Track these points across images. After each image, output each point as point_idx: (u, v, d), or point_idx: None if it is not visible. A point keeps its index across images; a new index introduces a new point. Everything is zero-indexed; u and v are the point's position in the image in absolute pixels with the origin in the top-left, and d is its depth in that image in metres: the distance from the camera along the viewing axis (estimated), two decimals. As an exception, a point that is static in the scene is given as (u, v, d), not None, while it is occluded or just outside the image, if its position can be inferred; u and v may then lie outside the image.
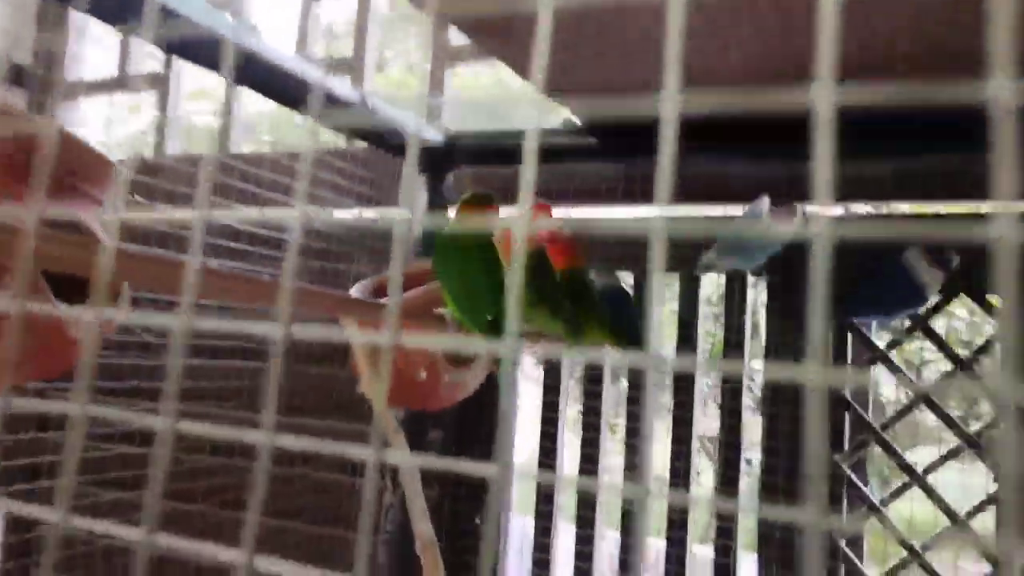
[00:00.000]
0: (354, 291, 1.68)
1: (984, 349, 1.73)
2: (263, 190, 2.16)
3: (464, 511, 2.06)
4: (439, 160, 1.98)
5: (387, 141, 1.86)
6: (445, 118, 2.05)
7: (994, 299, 1.71)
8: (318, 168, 2.15)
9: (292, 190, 2.14)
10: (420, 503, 1.30)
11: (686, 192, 1.88)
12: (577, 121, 1.83)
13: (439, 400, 1.66)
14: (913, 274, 1.54)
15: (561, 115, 1.87)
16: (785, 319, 1.84)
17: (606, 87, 1.70)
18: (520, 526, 2.17)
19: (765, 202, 1.57)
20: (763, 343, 1.89)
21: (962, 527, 1.67)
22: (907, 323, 1.77)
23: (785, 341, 1.84)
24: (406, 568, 1.78)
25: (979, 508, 1.68)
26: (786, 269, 1.82)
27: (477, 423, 2.07)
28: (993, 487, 1.66)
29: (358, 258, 2.14)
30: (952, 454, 1.74)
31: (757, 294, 1.97)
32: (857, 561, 1.77)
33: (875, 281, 1.64)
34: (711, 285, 2.03)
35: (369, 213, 2.19)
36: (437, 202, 1.97)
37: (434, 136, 1.94)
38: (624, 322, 1.61)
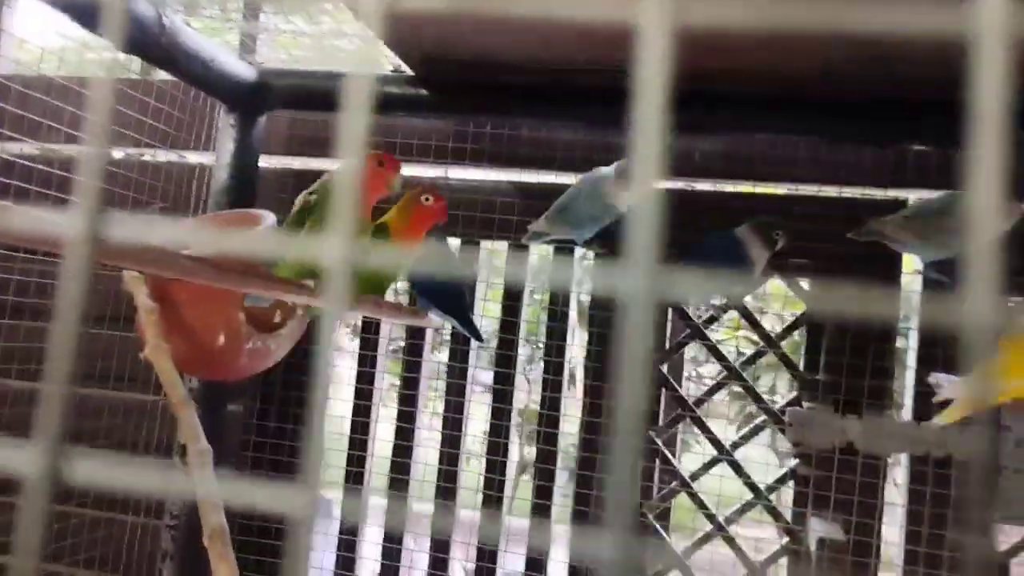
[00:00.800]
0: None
1: (792, 328, 1.80)
2: (44, 119, 1.84)
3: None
4: (251, 100, 1.77)
5: (191, 73, 1.63)
6: (259, 54, 1.84)
7: (804, 281, 1.77)
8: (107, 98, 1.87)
9: (78, 121, 1.84)
10: (210, 484, 1.13)
11: (523, 157, 1.81)
12: (409, 70, 1.70)
13: (240, 369, 1.48)
14: (742, 250, 1.54)
15: (391, 62, 1.73)
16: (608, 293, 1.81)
17: (445, 40, 1.58)
18: (328, 504, 2.04)
19: (605, 170, 1.52)
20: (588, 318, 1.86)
21: (763, 500, 1.73)
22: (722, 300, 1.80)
23: (607, 316, 1.81)
24: (194, 559, 1.59)
25: (779, 482, 1.75)
26: (615, 242, 1.78)
27: (282, 394, 1.90)
28: (793, 462, 1.74)
29: (153, 205, 1.89)
30: (757, 430, 1.80)
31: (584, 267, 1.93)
32: (664, 534, 1.79)
33: (703, 256, 1.64)
34: (539, 257, 1.98)
35: (167, 154, 1.94)
36: (247, 146, 1.77)
37: (246, 72, 1.73)
38: (444, 290, 1.54)
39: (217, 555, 1.00)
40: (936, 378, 1.53)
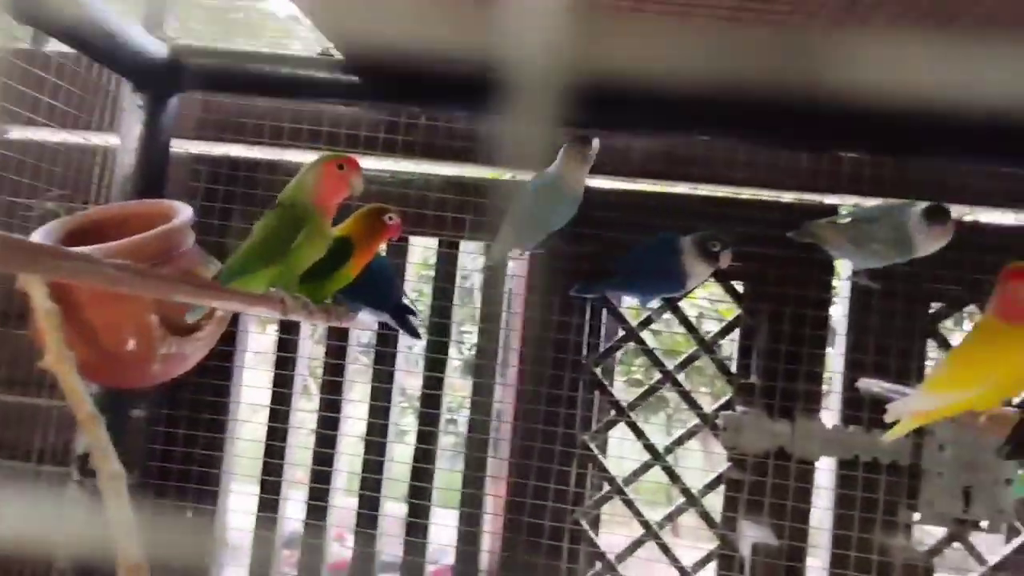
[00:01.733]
0: (38, 235, 1.31)
1: (726, 331, 1.79)
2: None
3: (170, 501, 1.75)
4: (161, 79, 1.62)
5: (94, 47, 1.47)
6: (170, 27, 1.68)
7: (739, 285, 1.77)
8: (-7, 70, 1.68)
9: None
10: (125, 513, 1.02)
11: (459, 150, 1.73)
12: (338, 54, 1.59)
13: (151, 376, 1.35)
14: (676, 260, 1.51)
15: (320, 44, 1.61)
16: (545, 295, 1.76)
17: (377, 23, 1.48)
18: (244, 497, 1.92)
19: (552, 167, 1.46)
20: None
21: (696, 504, 1.73)
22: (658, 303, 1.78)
23: (544, 317, 1.76)
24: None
25: (711, 486, 1.75)
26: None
27: (193, 398, 1.76)
28: (726, 465, 1.73)
29: (49, 193, 1.72)
30: (690, 434, 1.79)
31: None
32: (595, 538, 1.76)
33: (637, 257, 1.60)
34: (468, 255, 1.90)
35: (64, 135, 1.76)
36: (156, 129, 1.62)
37: (156, 48, 1.58)
38: (375, 288, 1.47)
39: (136, 599, 0.90)
40: (864, 383, 1.55)
